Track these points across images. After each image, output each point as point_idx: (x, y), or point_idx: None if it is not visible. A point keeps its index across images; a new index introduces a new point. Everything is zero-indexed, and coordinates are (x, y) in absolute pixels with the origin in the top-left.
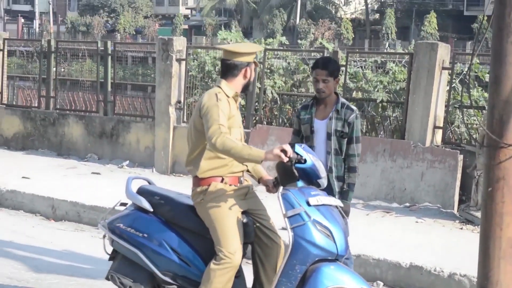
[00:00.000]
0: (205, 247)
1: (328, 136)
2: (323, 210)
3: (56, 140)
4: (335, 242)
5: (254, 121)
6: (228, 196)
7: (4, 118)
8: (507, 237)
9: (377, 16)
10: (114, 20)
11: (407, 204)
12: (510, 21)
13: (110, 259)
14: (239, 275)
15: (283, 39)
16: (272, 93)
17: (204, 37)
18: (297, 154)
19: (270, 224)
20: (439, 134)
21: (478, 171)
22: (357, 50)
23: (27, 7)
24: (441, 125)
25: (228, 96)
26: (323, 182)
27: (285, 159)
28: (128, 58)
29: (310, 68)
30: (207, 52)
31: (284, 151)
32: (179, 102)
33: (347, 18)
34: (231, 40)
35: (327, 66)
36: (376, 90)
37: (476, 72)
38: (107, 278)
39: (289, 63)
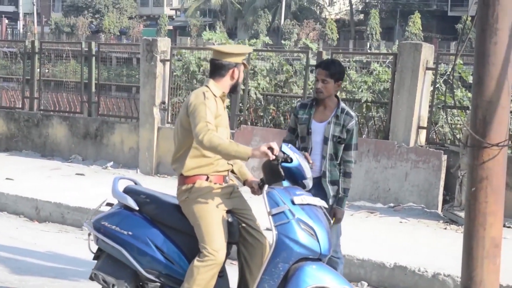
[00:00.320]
0: (190, 246)
1: (325, 141)
2: (307, 209)
3: (40, 141)
4: (318, 241)
5: (239, 121)
6: (213, 194)
7: None
8: (491, 236)
9: (361, 16)
10: (99, 21)
11: (391, 204)
12: (493, 22)
13: (94, 259)
14: (223, 274)
15: (267, 39)
16: (255, 94)
17: (189, 38)
18: (284, 153)
19: (255, 224)
20: (423, 134)
21: (462, 171)
22: (341, 51)
23: (11, 8)
24: (425, 125)
25: (215, 96)
26: (308, 183)
27: (272, 157)
28: (112, 59)
29: (294, 69)
30: (191, 53)
31: (271, 149)
32: (163, 103)
33: (331, 19)
34: (215, 41)
35: (329, 67)
36: (360, 90)
37: (459, 73)
38: (90, 278)
39: (272, 63)
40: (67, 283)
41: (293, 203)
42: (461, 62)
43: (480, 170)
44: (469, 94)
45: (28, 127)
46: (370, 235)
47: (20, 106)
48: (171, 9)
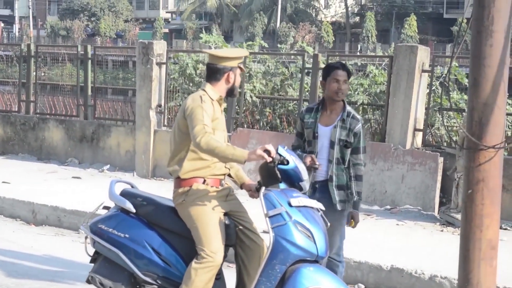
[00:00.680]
0: (186, 248)
1: (332, 145)
2: (304, 211)
3: (37, 144)
4: (315, 243)
5: (235, 124)
6: (210, 197)
7: None
8: (487, 238)
9: (357, 19)
10: (95, 24)
11: (388, 207)
12: (488, 24)
13: (91, 261)
14: (220, 277)
15: (262, 42)
16: (251, 97)
17: (185, 40)
18: (280, 155)
19: (252, 226)
20: (419, 136)
21: (458, 173)
22: (337, 53)
23: (6, 11)
24: (421, 127)
25: (212, 99)
26: (305, 185)
27: (268, 159)
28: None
29: (289, 71)
30: (188, 55)
31: (267, 152)
32: (159, 106)
33: (327, 21)
34: (213, 43)
35: (346, 67)
36: (356, 93)
37: (455, 75)
38: (87, 281)
39: (268, 66)
40: (64, 286)
41: (290, 205)
42: (456, 64)
43: (477, 172)
44: (465, 96)
45: (25, 131)
46: (367, 238)
47: (16, 109)
48: (166, 12)
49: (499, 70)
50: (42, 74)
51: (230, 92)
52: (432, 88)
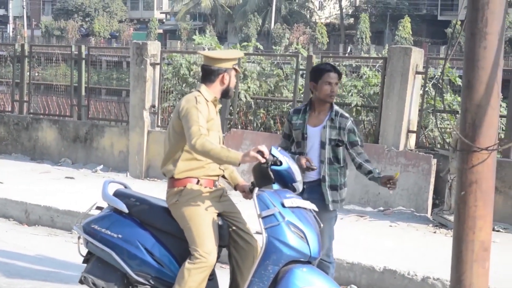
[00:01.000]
0: (180, 248)
1: (322, 145)
2: (297, 212)
3: (30, 144)
4: (308, 244)
5: (229, 125)
6: (203, 197)
7: None
8: (480, 240)
9: (351, 20)
10: (89, 24)
11: (381, 208)
12: (482, 26)
13: (84, 262)
14: (213, 277)
15: (258, 44)
16: (245, 97)
17: (179, 41)
18: (273, 156)
19: (246, 227)
20: (412, 138)
21: (452, 175)
22: (331, 55)
23: (0, 11)
24: (415, 129)
25: (207, 100)
26: (298, 186)
27: (262, 160)
28: (102, 63)
29: (284, 73)
30: (182, 56)
31: (260, 153)
32: (153, 106)
33: (321, 23)
34: (206, 45)
35: (337, 69)
36: (350, 94)
37: (449, 77)
38: (80, 281)
39: (263, 67)
40: (57, 286)
41: (283, 205)
42: (449, 66)
43: (470, 174)
44: (459, 98)
45: (18, 131)
46: (359, 239)
47: (9, 109)
48: (161, 13)
49: (493, 72)
50: (36, 74)
51: (225, 94)
52: (426, 90)
